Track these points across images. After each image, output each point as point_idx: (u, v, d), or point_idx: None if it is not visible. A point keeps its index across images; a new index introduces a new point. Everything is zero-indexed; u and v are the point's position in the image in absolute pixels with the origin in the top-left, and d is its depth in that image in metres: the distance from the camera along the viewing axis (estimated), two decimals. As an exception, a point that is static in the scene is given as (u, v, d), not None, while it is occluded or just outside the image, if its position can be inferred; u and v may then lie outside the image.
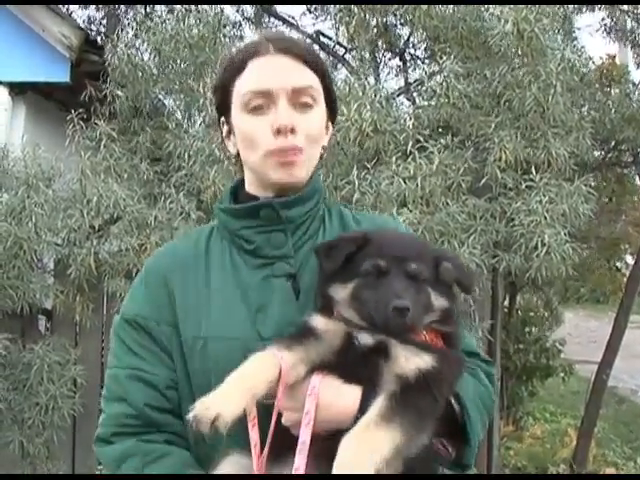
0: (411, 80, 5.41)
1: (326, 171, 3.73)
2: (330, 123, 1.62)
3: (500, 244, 3.74)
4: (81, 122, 4.12)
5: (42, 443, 3.81)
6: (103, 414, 1.50)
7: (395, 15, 4.66)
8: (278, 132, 1.44)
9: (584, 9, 5.83)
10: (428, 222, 3.41)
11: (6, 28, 4.93)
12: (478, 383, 1.53)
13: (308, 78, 1.49)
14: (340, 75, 5.26)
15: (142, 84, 4.36)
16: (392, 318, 1.27)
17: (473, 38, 4.14)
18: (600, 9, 6.05)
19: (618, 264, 8.66)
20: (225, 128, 1.59)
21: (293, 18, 6.80)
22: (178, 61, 4.41)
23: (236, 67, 1.50)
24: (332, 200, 3.65)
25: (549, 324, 8.07)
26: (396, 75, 6.16)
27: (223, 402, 1.22)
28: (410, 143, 3.65)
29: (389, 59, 6.14)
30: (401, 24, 5.10)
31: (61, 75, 4.85)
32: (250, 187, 1.57)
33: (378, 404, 1.24)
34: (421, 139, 3.71)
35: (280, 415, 1.33)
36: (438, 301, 1.36)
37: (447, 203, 3.55)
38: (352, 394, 1.30)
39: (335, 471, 1.17)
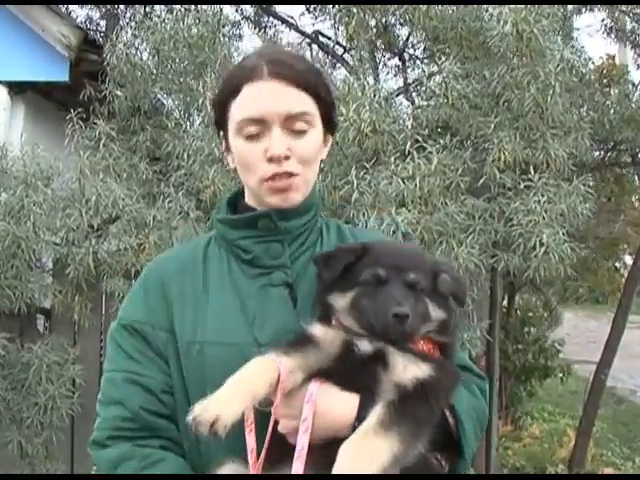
0: (410, 80, 5.41)
1: (325, 171, 3.73)
2: (330, 135, 1.62)
3: (499, 244, 3.75)
4: (80, 121, 4.12)
5: (41, 443, 3.81)
6: (99, 418, 1.50)
7: (394, 15, 4.66)
8: (271, 160, 1.45)
9: (583, 10, 5.83)
10: (427, 222, 3.41)
11: (5, 28, 4.93)
12: (472, 396, 1.55)
13: (302, 104, 1.49)
14: (339, 75, 5.27)
15: (141, 84, 4.36)
16: (392, 325, 1.29)
17: (472, 38, 4.14)
18: (600, 10, 6.04)
19: (617, 264, 8.66)
20: (224, 143, 1.60)
21: (292, 18, 6.80)
22: (177, 60, 4.40)
23: (232, 90, 1.51)
24: (331, 200, 3.65)
25: (548, 324, 8.08)
26: (395, 75, 6.16)
27: (223, 404, 1.22)
28: (409, 143, 3.66)
29: (388, 59, 6.14)
30: (400, 24, 5.10)
31: (60, 74, 4.84)
32: (250, 200, 1.59)
33: (376, 412, 1.24)
34: (420, 139, 3.71)
35: (277, 422, 1.33)
36: (435, 312, 1.38)
37: (446, 203, 3.55)
38: (350, 402, 1.31)
39: None
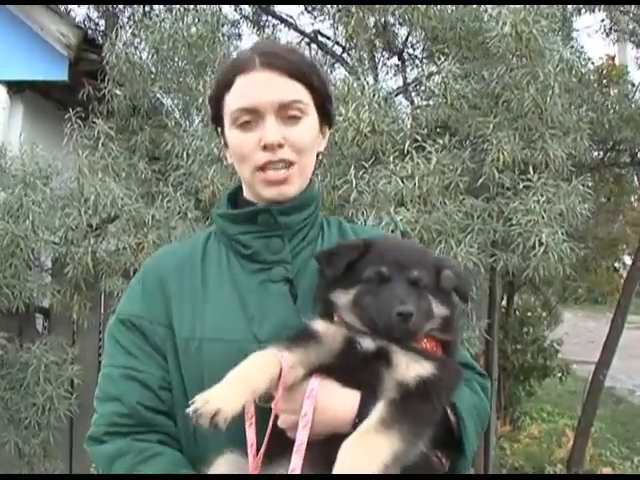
0: (409, 80, 5.41)
1: (324, 171, 3.73)
2: (327, 128, 1.63)
3: (498, 243, 3.75)
4: (79, 121, 4.12)
5: (38, 444, 3.81)
6: (96, 413, 1.50)
7: (393, 15, 4.65)
8: (265, 148, 1.46)
9: (583, 10, 5.82)
10: (425, 221, 3.41)
11: (5, 27, 4.93)
12: (474, 394, 1.55)
13: (294, 92, 1.50)
14: (338, 75, 5.26)
15: (140, 83, 4.35)
16: (396, 323, 1.29)
17: (471, 39, 4.14)
18: (600, 10, 6.04)
19: (616, 264, 8.66)
20: (222, 140, 1.61)
21: (291, 17, 6.79)
22: (176, 60, 4.40)
23: (226, 82, 1.52)
24: (330, 200, 3.65)
25: (548, 323, 8.08)
26: (394, 75, 6.15)
27: (224, 397, 1.22)
28: (408, 143, 3.66)
29: (387, 59, 6.13)
30: (399, 24, 5.10)
31: (59, 74, 4.84)
32: (248, 194, 1.59)
33: (378, 410, 1.24)
34: (419, 139, 3.71)
35: (277, 417, 1.33)
36: (438, 309, 1.38)
37: (444, 203, 3.56)
38: (350, 398, 1.31)
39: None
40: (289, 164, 1.49)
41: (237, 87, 1.50)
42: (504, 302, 7.32)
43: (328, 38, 6.50)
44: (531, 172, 3.65)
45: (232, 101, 1.50)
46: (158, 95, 4.48)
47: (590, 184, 3.79)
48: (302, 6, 6.67)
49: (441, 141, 3.74)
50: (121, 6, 6.99)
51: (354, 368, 1.33)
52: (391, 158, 3.62)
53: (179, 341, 1.47)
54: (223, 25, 4.62)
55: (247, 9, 6.76)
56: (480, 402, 1.56)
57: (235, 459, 1.35)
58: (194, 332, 1.46)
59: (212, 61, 4.22)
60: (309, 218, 1.57)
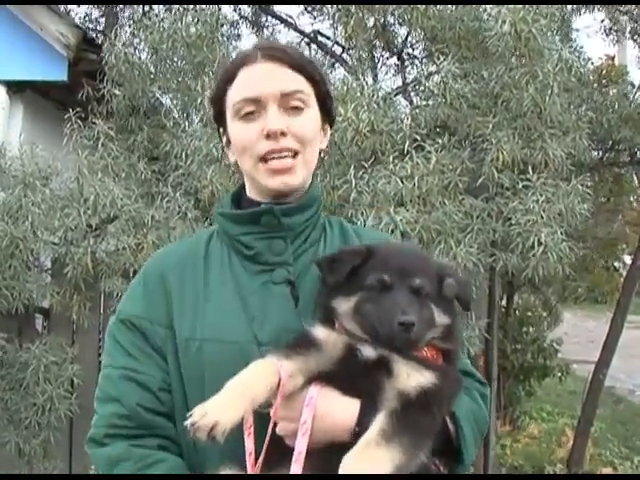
0: (409, 80, 5.41)
1: (323, 171, 3.73)
2: (328, 126, 1.63)
3: (497, 243, 3.75)
4: (79, 121, 4.12)
5: (39, 444, 3.81)
6: (96, 414, 1.49)
7: (393, 15, 4.66)
8: (268, 136, 1.46)
9: (582, 10, 5.82)
10: (425, 221, 3.41)
11: (4, 27, 4.93)
12: (473, 402, 1.54)
13: (296, 82, 1.51)
14: (338, 75, 5.27)
15: (139, 83, 4.35)
16: (397, 333, 1.27)
17: (471, 38, 4.14)
18: (599, 10, 6.04)
19: (616, 264, 8.66)
20: (224, 139, 1.61)
21: (291, 17, 6.80)
22: (175, 60, 4.40)
23: (228, 77, 1.53)
24: (329, 200, 3.65)
25: (548, 323, 8.08)
26: (394, 75, 6.15)
27: (222, 409, 1.20)
28: (407, 143, 3.66)
29: (387, 59, 6.13)
30: (399, 24, 5.10)
31: (59, 74, 4.84)
32: (250, 192, 1.58)
33: (379, 421, 1.23)
34: (418, 139, 3.71)
35: (275, 424, 1.32)
36: (440, 317, 1.36)
37: (444, 202, 3.56)
38: (350, 407, 1.30)
39: None
40: (293, 153, 1.48)
41: (239, 79, 1.51)
42: (504, 302, 7.33)
43: (328, 38, 6.51)
44: (530, 172, 3.65)
45: (235, 93, 1.51)
46: (157, 95, 4.48)
47: (589, 184, 3.79)
48: (302, 6, 6.68)
49: (440, 141, 3.74)
50: (120, 6, 7.00)
51: (354, 376, 1.32)
52: (390, 158, 3.62)
53: (179, 341, 1.46)
54: (222, 25, 4.62)
55: (246, 9, 6.76)
56: (479, 410, 1.55)
57: (234, 472, 1.34)
58: (194, 332, 1.45)
59: (211, 61, 4.23)
60: (311, 219, 1.57)
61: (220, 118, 1.59)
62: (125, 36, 4.71)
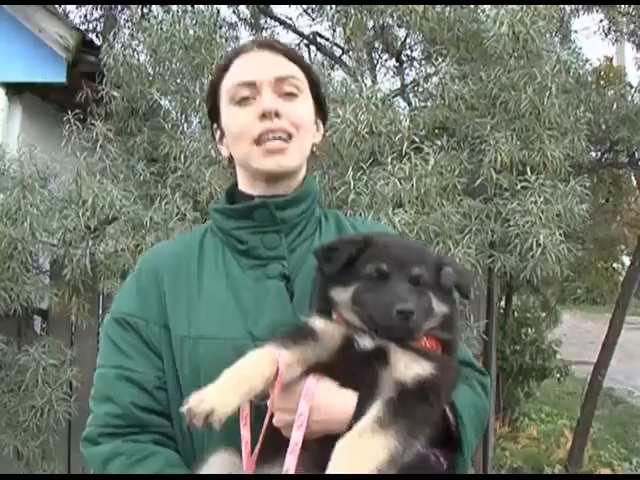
0: (407, 81, 5.42)
1: (322, 172, 3.73)
2: (321, 123, 1.64)
3: (495, 244, 3.75)
4: (77, 123, 4.12)
5: (37, 446, 3.80)
6: (91, 414, 1.49)
7: (392, 17, 4.66)
8: (263, 116, 1.46)
9: (581, 12, 5.83)
10: (423, 222, 3.41)
11: (3, 29, 4.93)
12: (473, 393, 1.53)
13: (290, 69, 1.53)
14: (337, 77, 5.27)
15: (138, 85, 4.35)
16: (396, 321, 1.27)
17: (469, 40, 4.15)
18: (598, 11, 6.05)
19: (615, 265, 8.67)
20: (218, 133, 1.61)
21: (290, 19, 6.81)
22: (174, 62, 4.40)
23: (222, 67, 1.55)
24: (328, 201, 3.65)
25: (547, 324, 8.09)
26: (393, 76, 6.17)
27: (219, 396, 1.20)
28: (405, 144, 3.66)
29: (386, 60, 6.16)
30: (398, 26, 5.11)
31: (57, 75, 4.84)
32: (243, 185, 1.58)
33: (375, 410, 1.23)
34: (417, 140, 3.72)
35: (272, 415, 1.32)
36: (439, 307, 1.35)
37: (442, 204, 3.56)
38: (348, 398, 1.30)
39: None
40: (287, 135, 1.48)
41: (234, 67, 1.53)
42: (502, 303, 7.33)
43: (327, 40, 6.52)
44: (529, 173, 3.65)
45: (229, 80, 1.52)
46: (156, 97, 4.48)
47: (588, 185, 3.79)
48: (301, 8, 6.68)
49: (439, 142, 3.75)
50: (119, 8, 7.00)
51: (352, 367, 1.32)
52: (389, 159, 3.62)
53: (174, 339, 1.46)
54: (221, 27, 4.63)
55: (245, 11, 6.77)
56: (479, 401, 1.54)
57: (229, 458, 1.34)
58: (189, 330, 1.45)
59: (209, 63, 4.22)
60: (306, 212, 1.56)
61: (214, 112, 1.59)
62: (124, 38, 4.72)
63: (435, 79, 4.10)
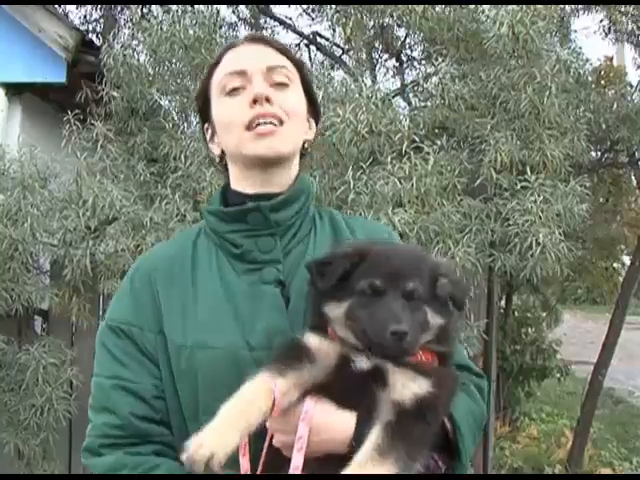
0: (407, 81, 5.42)
1: (322, 172, 3.73)
2: (313, 122, 1.62)
3: (495, 244, 3.75)
4: (77, 123, 4.12)
5: (38, 445, 3.81)
6: (90, 423, 1.48)
7: (392, 17, 4.66)
8: (254, 102, 1.45)
9: (581, 11, 5.83)
10: (423, 222, 3.41)
11: (2, 29, 4.93)
12: (470, 400, 1.52)
13: (282, 60, 1.53)
14: (337, 76, 5.28)
15: (138, 85, 4.35)
16: (390, 342, 1.24)
17: (469, 40, 4.15)
18: (598, 11, 6.05)
19: (615, 265, 8.68)
20: (209, 133, 1.60)
21: (290, 19, 6.82)
22: (174, 62, 4.41)
23: (213, 63, 1.56)
24: (328, 201, 3.65)
25: (547, 324, 8.10)
26: (393, 76, 6.17)
27: (217, 438, 1.18)
28: (405, 144, 3.66)
29: (385, 60, 6.16)
30: (398, 25, 5.11)
31: (57, 76, 4.84)
32: (235, 183, 1.55)
33: (374, 436, 1.22)
34: (417, 140, 3.72)
35: (271, 438, 1.31)
36: (434, 319, 1.33)
37: (442, 203, 3.56)
38: (346, 420, 1.29)
39: None
40: (279, 121, 1.46)
41: (225, 59, 1.53)
42: (503, 302, 7.33)
43: (327, 40, 6.52)
44: (528, 173, 3.65)
45: (220, 71, 1.52)
46: (156, 97, 4.48)
47: (588, 184, 3.79)
48: (300, 8, 6.69)
49: (439, 142, 3.74)
50: (119, 8, 7.00)
51: (349, 387, 1.30)
52: (389, 159, 3.62)
53: (171, 348, 1.43)
54: (221, 27, 4.63)
55: (245, 11, 6.77)
56: (477, 407, 1.53)
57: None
58: (185, 339, 1.42)
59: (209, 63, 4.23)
60: (300, 212, 1.53)
61: (205, 110, 1.58)
62: (123, 38, 4.71)
63: (435, 79, 4.10)
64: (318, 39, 6.65)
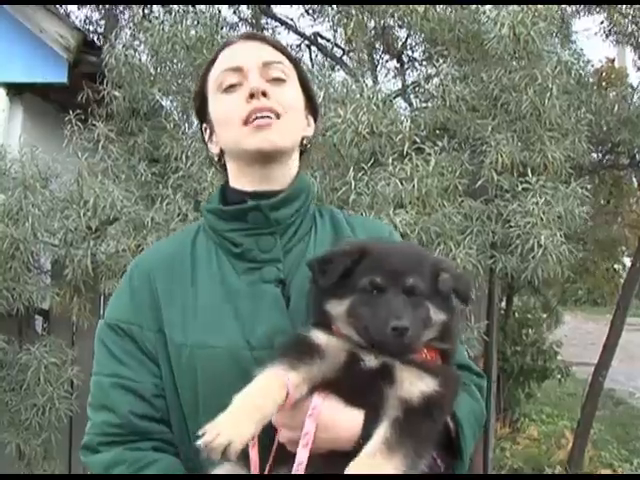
0: (408, 82, 5.42)
1: (323, 173, 3.73)
2: (312, 118, 1.62)
3: (496, 245, 3.75)
4: (79, 123, 4.12)
5: (39, 444, 3.81)
6: (89, 421, 1.47)
7: (393, 17, 4.66)
8: (251, 97, 1.44)
9: (582, 13, 5.84)
10: (424, 223, 3.41)
11: (4, 29, 4.93)
12: (471, 399, 1.52)
13: (277, 56, 1.53)
14: (338, 77, 5.29)
15: (139, 85, 4.36)
16: (391, 338, 1.25)
17: (470, 41, 4.15)
18: (599, 12, 6.05)
19: (616, 266, 8.68)
20: (207, 132, 1.60)
21: (291, 20, 6.81)
22: (175, 62, 4.41)
23: (210, 61, 1.56)
24: (329, 202, 3.66)
25: (548, 325, 8.10)
26: (394, 77, 6.17)
27: (234, 428, 1.18)
28: (407, 145, 3.66)
29: (386, 61, 6.16)
30: (399, 26, 5.11)
31: (59, 76, 4.84)
32: (234, 181, 1.55)
33: (382, 431, 1.23)
34: (418, 141, 3.72)
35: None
36: (437, 315, 1.33)
37: (443, 204, 3.56)
38: (353, 418, 1.29)
39: None
40: (276, 115, 1.45)
41: (221, 57, 1.53)
42: (503, 304, 7.34)
43: (328, 40, 6.52)
44: (529, 174, 3.66)
45: (216, 69, 1.52)
46: (157, 97, 4.48)
47: (589, 186, 3.79)
48: (302, 9, 6.69)
49: (440, 143, 3.74)
50: (120, 8, 7.01)
51: (357, 384, 1.30)
52: (390, 160, 3.62)
53: (171, 347, 1.43)
54: (222, 28, 4.63)
55: (246, 11, 6.77)
56: (477, 406, 1.54)
57: (232, 470, 1.33)
58: (185, 338, 1.42)
59: (211, 64, 4.23)
60: (300, 210, 1.52)
61: (202, 110, 1.59)
62: (125, 38, 4.72)
63: (436, 80, 4.11)
64: (319, 40, 6.65)
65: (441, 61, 3.96)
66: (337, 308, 1.33)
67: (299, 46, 6.84)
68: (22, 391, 3.73)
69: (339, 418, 1.28)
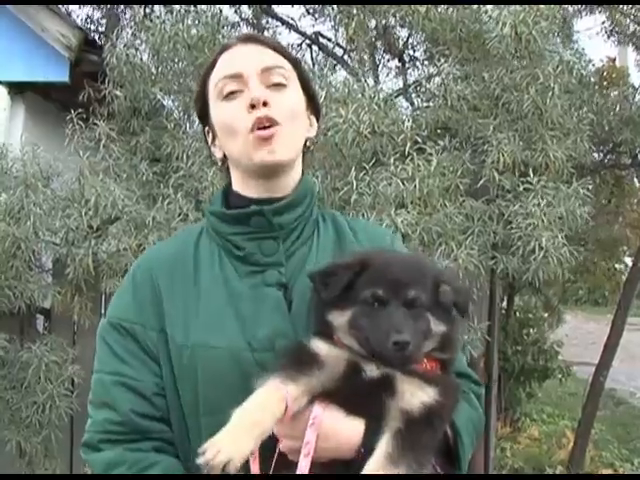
0: (410, 82, 5.42)
1: (324, 173, 3.73)
2: (314, 118, 1.62)
3: (498, 246, 3.75)
4: (80, 122, 4.12)
5: (40, 442, 3.82)
6: (89, 419, 1.48)
7: (394, 17, 4.66)
8: (252, 107, 1.43)
9: (583, 12, 5.83)
10: (426, 223, 3.41)
11: (5, 28, 4.93)
12: (470, 408, 1.53)
13: (277, 59, 1.51)
14: (339, 77, 5.28)
15: (141, 84, 4.36)
16: (392, 352, 1.26)
17: (471, 40, 4.14)
18: (600, 12, 6.05)
19: (617, 266, 8.68)
20: (210, 136, 1.59)
21: (292, 19, 6.81)
22: (177, 61, 4.41)
23: (209, 66, 1.54)
24: (330, 202, 3.66)
25: (549, 325, 8.11)
26: (395, 77, 6.17)
27: (233, 445, 1.19)
28: (408, 145, 3.66)
29: (388, 61, 6.16)
30: (400, 26, 5.11)
31: (60, 75, 4.84)
32: (237, 185, 1.55)
33: (384, 444, 1.24)
34: (419, 141, 3.72)
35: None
36: (437, 326, 1.34)
37: (445, 205, 3.56)
38: (354, 427, 1.29)
39: None
40: (277, 124, 1.45)
41: (220, 62, 1.52)
42: (504, 304, 7.34)
43: (329, 40, 6.52)
44: (531, 174, 3.65)
45: (216, 75, 1.51)
46: (159, 97, 4.48)
47: (590, 187, 3.79)
48: (303, 8, 6.68)
49: (441, 143, 3.74)
50: (122, 7, 7.01)
51: (358, 394, 1.31)
52: (391, 160, 3.62)
53: (172, 347, 1.43)
54: (223, 27, 4.62)
55: (247, 11, 6.77)
56: (476, 415, 1.55)
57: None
58: (187, 338, 1.42)
59: (212, 63, 4.23)
60: (303, 215, 1.53)
61: (204, 114, 1.58)
62: (126, 37, 4.72)
63: (437, 79, 4.10)
64: (320, 39, 6.64)
65: (442, 60, 3.95)
66: (339, 319, 1.34)
67: (300, 45, 6.83)
68: (23, 389, 3.74)
69: (340, 427, 1.29)
